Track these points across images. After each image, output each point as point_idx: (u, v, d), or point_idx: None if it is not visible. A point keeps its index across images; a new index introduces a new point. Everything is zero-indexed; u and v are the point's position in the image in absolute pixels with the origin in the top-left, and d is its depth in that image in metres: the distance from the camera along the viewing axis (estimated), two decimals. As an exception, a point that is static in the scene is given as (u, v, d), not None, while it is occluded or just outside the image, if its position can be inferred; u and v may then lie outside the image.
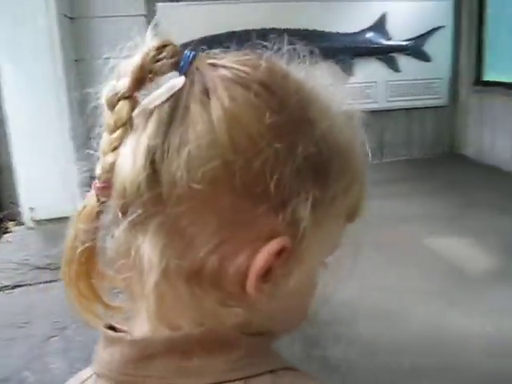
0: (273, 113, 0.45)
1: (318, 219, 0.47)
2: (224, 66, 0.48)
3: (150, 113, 0.46)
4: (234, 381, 0.47)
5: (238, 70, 0.47)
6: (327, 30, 5.32)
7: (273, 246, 0.46)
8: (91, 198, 0.49)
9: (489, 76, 5.52)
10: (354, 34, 5.45)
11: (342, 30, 5.39)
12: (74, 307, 0.52)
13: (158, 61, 0.47)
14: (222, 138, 0.44)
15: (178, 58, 0.48)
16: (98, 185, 0.48)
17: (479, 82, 5.64)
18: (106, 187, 0.48)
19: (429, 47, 5.69)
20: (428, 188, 4.77)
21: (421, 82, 5.75)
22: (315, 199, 0.46)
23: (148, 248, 0.46)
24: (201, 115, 0.45)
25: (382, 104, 5.66)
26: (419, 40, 5.64)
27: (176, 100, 0.46)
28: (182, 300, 0.47)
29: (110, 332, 0.51)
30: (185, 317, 0.48)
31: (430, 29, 5.67)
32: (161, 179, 0.45)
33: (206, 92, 0.46)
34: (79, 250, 0.49)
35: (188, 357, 0.47)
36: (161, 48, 0.48)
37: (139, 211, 0.45)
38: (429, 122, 5.84)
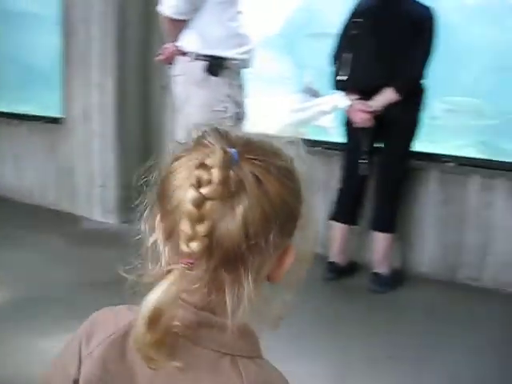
0: (296, 188, 0.77)
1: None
2: (260, 160, 0.74)
3: (230, 196, 0.71)
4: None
5: (271, 163, 0.74)
6: None
7: (291, 255, 0.79)
8: (179, 270, 0.71)
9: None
10: None
11: None
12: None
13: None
14: (279, 204, 0.73)
15: (229, 157, 0.72)
16: (189, 260, 0.71)
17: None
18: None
19: None
20: None
21: None
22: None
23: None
24: (258, 193, 0.72)
25: None
26: None
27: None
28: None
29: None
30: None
31: None
32: (251, 236, 0.72)
33: (257, 178, 0.72)
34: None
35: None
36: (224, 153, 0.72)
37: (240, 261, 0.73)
38: None
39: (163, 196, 0.75)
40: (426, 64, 3.11)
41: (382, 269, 3.32)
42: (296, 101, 4.63)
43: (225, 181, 0.70)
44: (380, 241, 3.30)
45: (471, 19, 4.72)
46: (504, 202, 3.39)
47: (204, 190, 0.69)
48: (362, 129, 3.16)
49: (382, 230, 3.30)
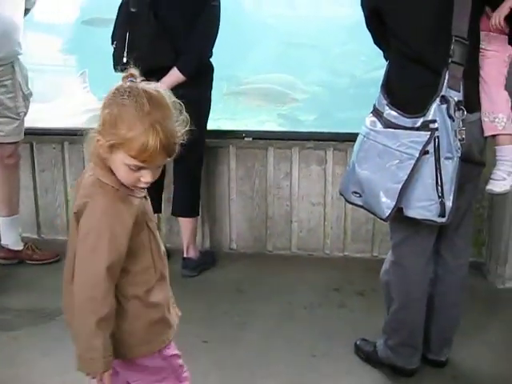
0: None
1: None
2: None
3: None
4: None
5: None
6: None
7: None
8: None
9: None
10: None
11: None
12: None
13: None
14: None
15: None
16: None
17: None
18: None
19: None
20: None
21: None
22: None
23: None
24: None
25: None
26: None
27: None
28: None
29: None
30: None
31: None
32: None
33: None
34: None
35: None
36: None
37: None
38: None
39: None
40: (211, 42, 3.03)
41: (191, 253, 3.25)
42: (84, 100, 4.40)
43: None
44: (184, 226, 3.22)
45: (260, -1, 4.82)
46: (300, 171, 3.50)
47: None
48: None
49: (185, 215, 3.22)
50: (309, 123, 4.75)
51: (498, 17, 1.85)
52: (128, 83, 1.35)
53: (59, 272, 1.51)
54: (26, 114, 3.14)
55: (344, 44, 4.73)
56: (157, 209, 3.31)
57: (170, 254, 3.46)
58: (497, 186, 1.98)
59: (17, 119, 3.08)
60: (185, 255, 3.26)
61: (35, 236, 3.80)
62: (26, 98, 3.11)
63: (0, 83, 2.97)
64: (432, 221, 1.89)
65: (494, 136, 1.96)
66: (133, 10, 2.91)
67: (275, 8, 4.80)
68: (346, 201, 2.12)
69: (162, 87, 2.96)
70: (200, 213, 3.32)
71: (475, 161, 1.98)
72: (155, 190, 3.25)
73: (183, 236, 3.25)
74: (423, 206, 1.88)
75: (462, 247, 2.19)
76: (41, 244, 3.50)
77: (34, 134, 3.72)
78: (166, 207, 3.39)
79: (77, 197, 1.38)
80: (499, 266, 3.14)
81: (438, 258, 2.18)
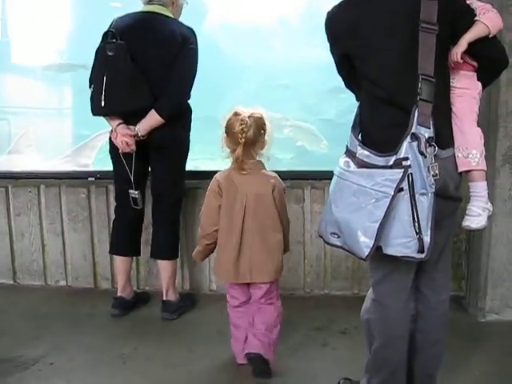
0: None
1: None
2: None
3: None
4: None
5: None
6: None
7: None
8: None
9: None
10: None
11: None
12: None
13: None
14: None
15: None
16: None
17: None
18: None
19: None
20: None
21: None
22: None
23: None
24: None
25: None
26: None
27: None
28: None
29: None
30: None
31: None
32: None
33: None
34: None
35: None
36: None
37: None
38: None
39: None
40: (189, 85, 3.05)
41: (170, 295, 3.21)
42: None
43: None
44: (164, 268, 3.19)
45: (239, 41, 4.89)
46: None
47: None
48: (125, 154, 3.02)
49: (163, 257, 3.19)
50: (286, 162, 4.78)
51: (455, 54, 1.89)
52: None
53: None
54: None
55: (321, 84, 4.80)
56: (135, 252, 3.28)
57: (149, 296, 3.45)
58: (473, 222, 1.99)
59: None
60: (164, 298, 3.21)
61: (11, 282, 3.74)
62: None
63: None
64: (411, 257, 1.89)
65: (467, 172, 1.98)
66: (110, 53, 2.91)
67: (253, 51, 4.88)
68: (326, 242, 2.10)
69: (141, 129, 3.02)
70: (179, 255, 3.30)
71: (451, 196, 2.00)
72: (133, 233, 3.24)
73: (163, 279, 3.21)
74: (401, 243, 1.88)
75: (441, 283, 2.18)
76: (17, 290, 3.43)
77: (10, 177, 3.70)
78: (145, 250, 3.35)
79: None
80: (479, 300, 3.15)
81: (419, 295, 2.17)
